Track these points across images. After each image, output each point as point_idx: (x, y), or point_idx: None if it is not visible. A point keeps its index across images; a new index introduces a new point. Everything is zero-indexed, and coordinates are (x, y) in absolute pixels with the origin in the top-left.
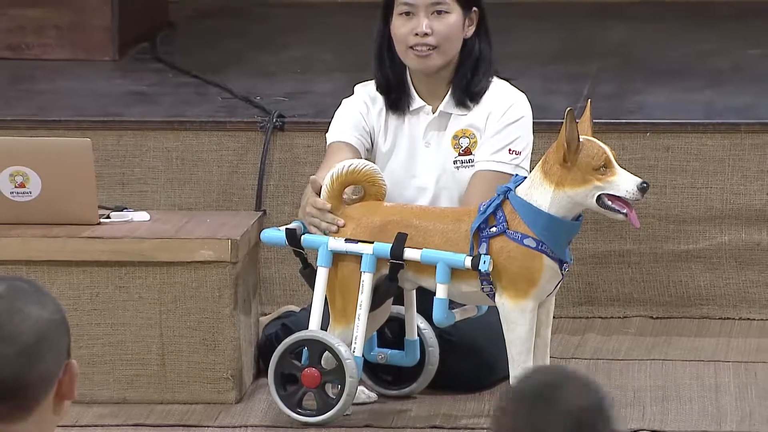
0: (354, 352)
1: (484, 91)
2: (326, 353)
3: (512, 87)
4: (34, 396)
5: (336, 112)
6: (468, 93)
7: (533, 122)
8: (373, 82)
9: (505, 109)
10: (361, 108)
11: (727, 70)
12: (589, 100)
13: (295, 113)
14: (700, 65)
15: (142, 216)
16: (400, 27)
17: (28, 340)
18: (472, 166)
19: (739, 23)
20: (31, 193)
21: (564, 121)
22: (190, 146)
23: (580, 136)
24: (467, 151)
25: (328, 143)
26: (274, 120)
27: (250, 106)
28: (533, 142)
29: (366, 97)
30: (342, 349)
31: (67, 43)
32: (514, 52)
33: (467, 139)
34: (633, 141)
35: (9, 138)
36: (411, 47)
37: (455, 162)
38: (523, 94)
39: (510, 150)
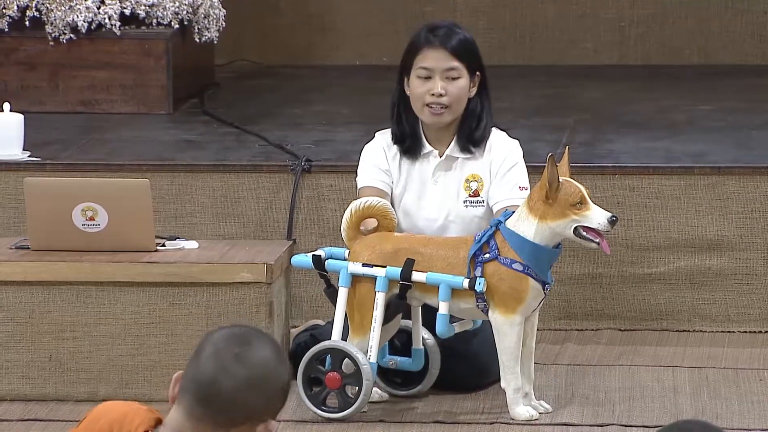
0: (369, 358)
1: (486, 139)
2: (346, 360)
3: (507, 136)
4: (229, 420)
5: (361, 156)
6: (471, 141)
7: None
8: (390, 130)
9: (505, 155)
10: (380, 153)
11: (683, 123)
12: (568, 147)
13: (320, 158)
14: (660, 118)
15: (192, 244)
16: (418, 87)
17: (256, 377)
18: (481, 205)
19: (693, 84)
20: (99, 225)
21: (546, 164)
22: (232, 186)
23: (560, 177)
24: (476, 193)
25: (359, 187)
26: (303, 164)
27: (283, 152)
28: None
29: (384, 144)
30: (359, 356)
31: (130, 99)
32: (506, 107)
33: (476, 182)
34: (604, 181)
35: (81, 179)
36: (427, 105)
37: (465, 201)
38: (516, 141)
39: (520, 187)
